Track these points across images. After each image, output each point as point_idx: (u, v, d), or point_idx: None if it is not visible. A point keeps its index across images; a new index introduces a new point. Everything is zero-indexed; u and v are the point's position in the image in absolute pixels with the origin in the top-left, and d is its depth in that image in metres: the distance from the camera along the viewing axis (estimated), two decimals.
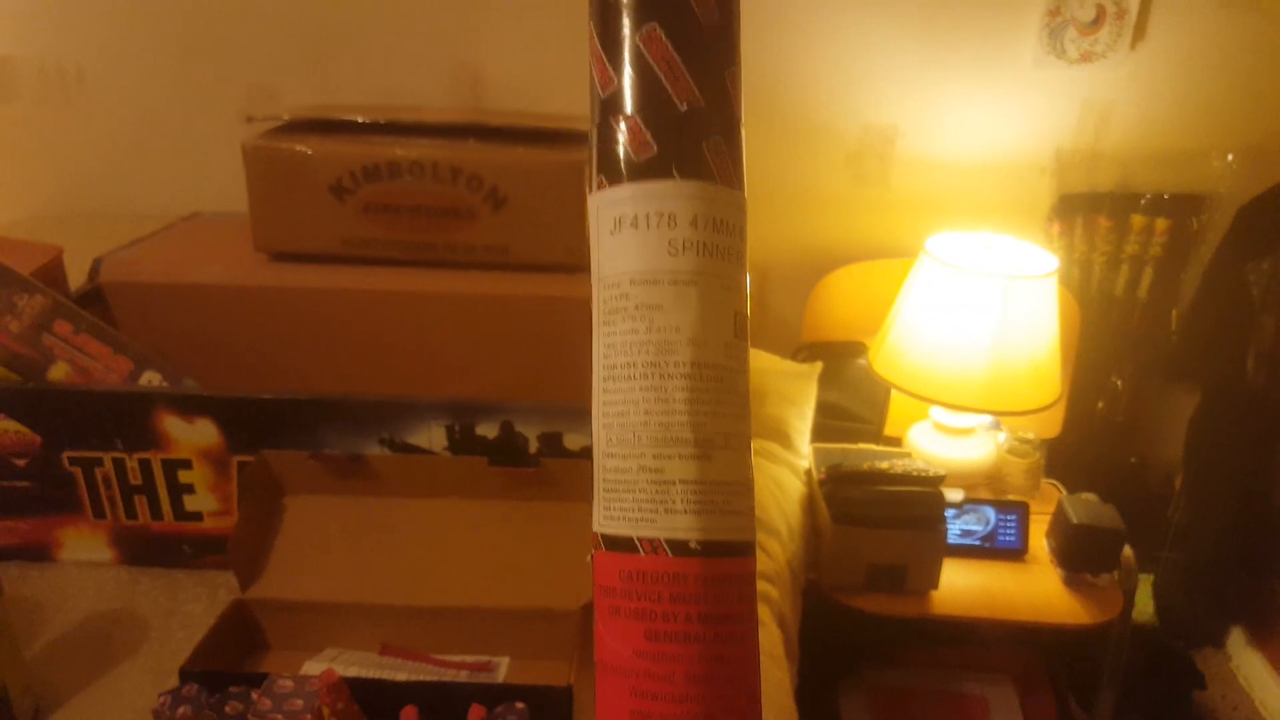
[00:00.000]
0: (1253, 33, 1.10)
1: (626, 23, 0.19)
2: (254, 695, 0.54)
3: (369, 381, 0.79)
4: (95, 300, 0.79)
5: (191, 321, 0.80)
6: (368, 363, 0.80)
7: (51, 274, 0.78)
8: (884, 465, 0.94)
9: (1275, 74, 1.12)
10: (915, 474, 0.93)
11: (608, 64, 0.20)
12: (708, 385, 0.19)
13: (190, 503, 0.71)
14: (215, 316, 0.79)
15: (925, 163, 1.17)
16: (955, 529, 0.99)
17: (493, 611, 0.64)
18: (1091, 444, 1.25)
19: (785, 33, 1.07)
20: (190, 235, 0.92)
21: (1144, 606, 1.25)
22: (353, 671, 0.59)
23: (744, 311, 0.20)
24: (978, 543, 1.00)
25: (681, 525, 0.19)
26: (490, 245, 0.79)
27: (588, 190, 0.20)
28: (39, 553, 0.73)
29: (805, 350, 1.18)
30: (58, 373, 0.73)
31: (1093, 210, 1.18)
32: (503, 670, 0.63)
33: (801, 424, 1.04)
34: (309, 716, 0.53)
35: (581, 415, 0.68)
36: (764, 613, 0.78)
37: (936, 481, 0.93)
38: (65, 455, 0.70)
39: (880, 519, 0.91)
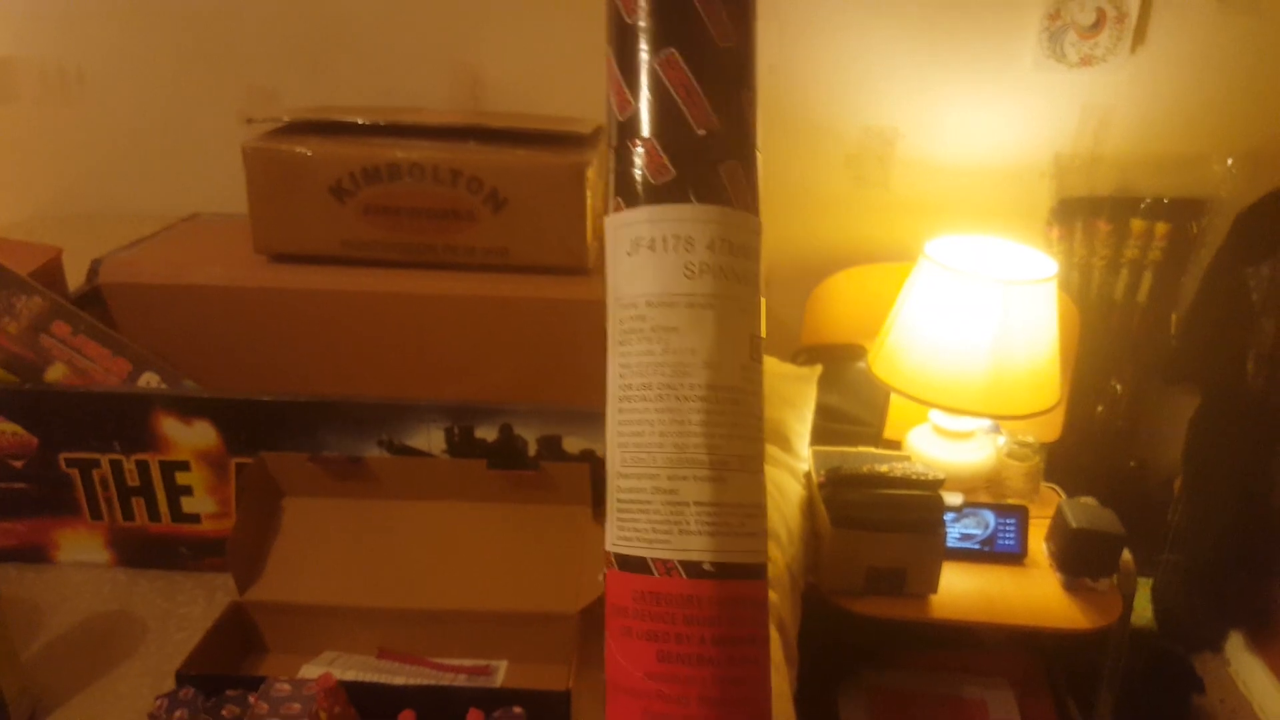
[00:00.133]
0: (1253, 37, 1.10)
1: (644, 47, 0.19)
2: (251, 699, 0.54)
3: (368, 383, 0.79)
4: (94, 301, 0.78)
5: (191, 323, 0.79)
6: (367, 364, 0.80)
7: (50, 275, 0.78)
8: (883, 469, 0.94)
9: (1275, 78, 1.12)
10: (915, 477, 0.93)
11: (625, 88, 0.20)
12: (723, 408, 0.19)
13: (188, 504, 0.71)
14: (214, 318, 0.79)
15: (925, 165, 1.17)
16: (955, 533, 0.99)
17: (491, 615, 0.63)
18: (1091, 448, 1.25)
19: (785, 34, 1.07)
20: (190, 236, 0.92)
21: (1143, 610, 1.25)
22: (350, 675, 0.59)
23: (759, 335, 0.20)
24: (977, 546, 1.00)
25: (696, 546, 0.19)
26: (490, 247, 0.79)
27: (605, 212, 0.20)
28: (36, 554, 0.72)
29: (805, 353, 1.18)
30: (56, 374, 0.72)
31: (1092, 214, 1.18)
32: (501, 674, 0.63)
33: (801, 427, 1.04)
34: None
35: (581, 418, 0.68)
36: None
37: (936, 485, 0.92)
38: (63, 456, 0.69)
39: (880, 522, 0.91)
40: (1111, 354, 1.23)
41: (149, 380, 0.74)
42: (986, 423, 1.08)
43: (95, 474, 0.70)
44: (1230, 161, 1.14)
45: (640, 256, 0.19)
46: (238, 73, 1.09)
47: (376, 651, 0.64)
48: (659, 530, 0.19)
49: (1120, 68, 1.12)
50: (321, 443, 0.69)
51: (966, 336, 0.95)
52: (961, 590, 0.95)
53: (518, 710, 0.54)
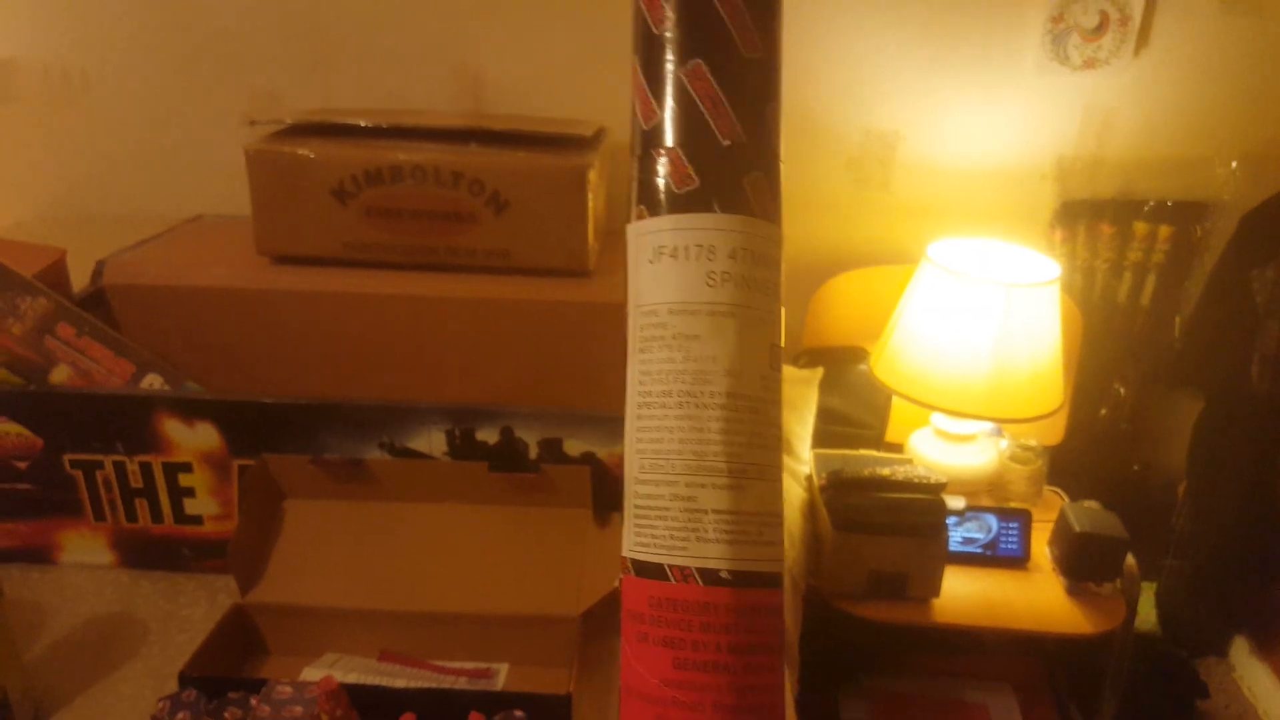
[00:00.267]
0: (1257, 39, 1.10)
1: (671, 58, 0.19)
2: (253, 701, 0.54)
3: (369, 385, 0.80)
4: (98, 302, 0.79)
5: (193, 324, 0.80)
6: (368, 366, 0.80)
7: (55, 276, 0.78)
8: (885, 472, 0.94)
9: (1279, 80, 1.11)
10: (917, 481, 0.92)
11: (651, 97, 0.20)
12: (743, 416, 0.19)
13: (191, 506, 0.71)
14: (217, 319, 0.80)
15: (927, 168, 1.17)
16: (957, 536, 0.98)
17: (492, 618, 0.63)
18: (1094, 451, 1.25)
19: (787, 36, 1.07)
20: (193, 238, 0.93)
21: (1147, 615, 1.25)
22: (352, 678, 0.59)
23: (779, 344, 0.20)
24: (979, 550, 1.00)
25: (713, 554, 0.19)
26: (491, 249, 0.79)
27: (627, 220, 0.20)
28: (40, 555, 0.73)
29: (806, 356, 1.18)
30: (60, 376, 0.73)
31: (1095, 217, 1.18)
32: (502, 677, 0.63)
33: (802, 430, 1.04)
34: None
35: (582, 421, 0.68)
36: None
37: (938, 488, 0.92)
38: (66, 458, 0.70)
39: (881, 526, 0.91)
40: (1115, 357, 1.23)
41: (152, 382, 0.74)
42: (989, 426, 1.08)
43: (98, 475, 0.70)
44: (1234, 164, 1.14)
45: (662, 264, 0.20)
46: (240, 75, 1.09)
47: (378, 654, 0.64)
48: (676, 537, 0.19)
49: (1123, 70, 1.11)
50: (323, 445, 0.69)
51: (969, 339, 0.95)
52: (964, 594, 0.95)
53: (519, 713, 0.55)
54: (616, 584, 0.20)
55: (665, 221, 0.20)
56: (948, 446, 1.06)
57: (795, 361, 1.17)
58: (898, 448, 1.11)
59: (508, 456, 0.68)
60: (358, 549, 0.67)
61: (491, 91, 1.10)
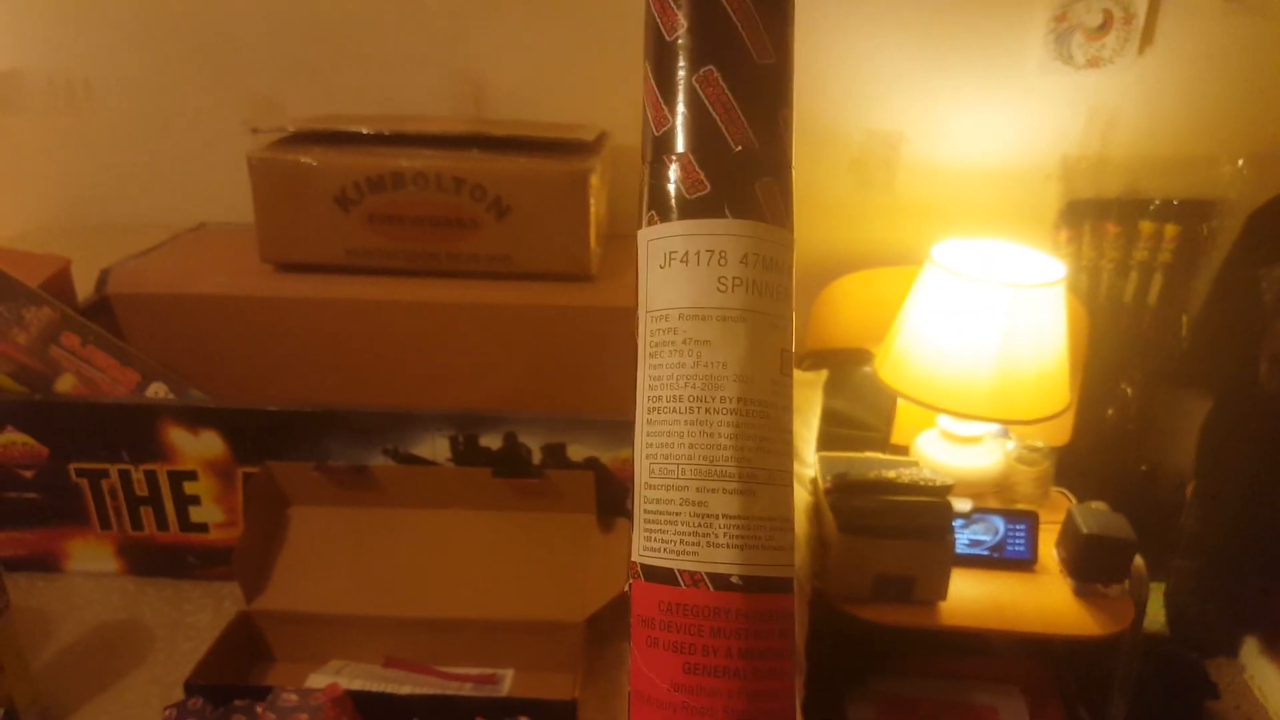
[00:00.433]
0: (1262, 36, 1.09)
1: (683, 64, 0.20)
2: (258, 709, 0.54)
3: (373, 391, 0.80)
4: (102, 311, 0.79)
5: (198, 332, 0.80)
6: (372, 372, 0.80)
7: (59, 286, 0.79)
8: (891, 474, 0.93)
9: None
10: (922, 483, 0.92)
11: (663, 103, 0.20)
12: (753, 421, 0.19)
13: (196, 514, 0.72)
14: (221, 327, 0.80)
15: (930, 169, 1.17)
16: (963, 539, 0.98)
17: (497, 624, 0.63)
18: (1101, 452, 1.24)
19: (794, 47, 1.07)
20: (196, 246, 0.93)
21: (1155, 616, 1.24)
22: (357, 684, 0.59)
23: (790, 349, 0.20)
24: (986, 552, 0.99)
25: (723, 559, 0.19)
26: (494, 255, 0.80)
27: (631, 225, 0.20)
28: (46, 563, 0.73)
29: (810, 358, 1.18)
30: (65, 385, 0.73)
31: (1101, 216, 1.17)
32: (507, 683, 0.62)
33: (807, 432, 1.04)
34: None
35: (586, 426, 0.68)
36: None
37: (944, 491, 0.92)
38: (72, 467, 0.70)
39: (887, 529, 0.90)
40: (1121, 357, 1.22)
41: (157, 390, 0.75)
42: (995, 427, 1.07)
43: (104, 484, 0.70)
44: (1240, 162, 1.13)
45: (673, 269, 0.20)
46: (242, 82, 1.10)
47: (383, 660, 0.64)
48: (686, 542, 0.19)
49: (1128, 69, 1.11)
50: (327, 452, 0.69)
51: (974, 341, 0.94)
52: (971, 597, 0.95)
53: (524, 719, 0.54)
54: (625, 589, 0.20)
55: (676, 227, 0.20)
56: (953, 448, 1.05)
57: (799, 364, 1.16)
58: (903, 450, 1.11)
59: (511, 462, 0.68)
60: (362, 555, 0.67)
61: (493, 97, 1.10)
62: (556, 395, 0.77)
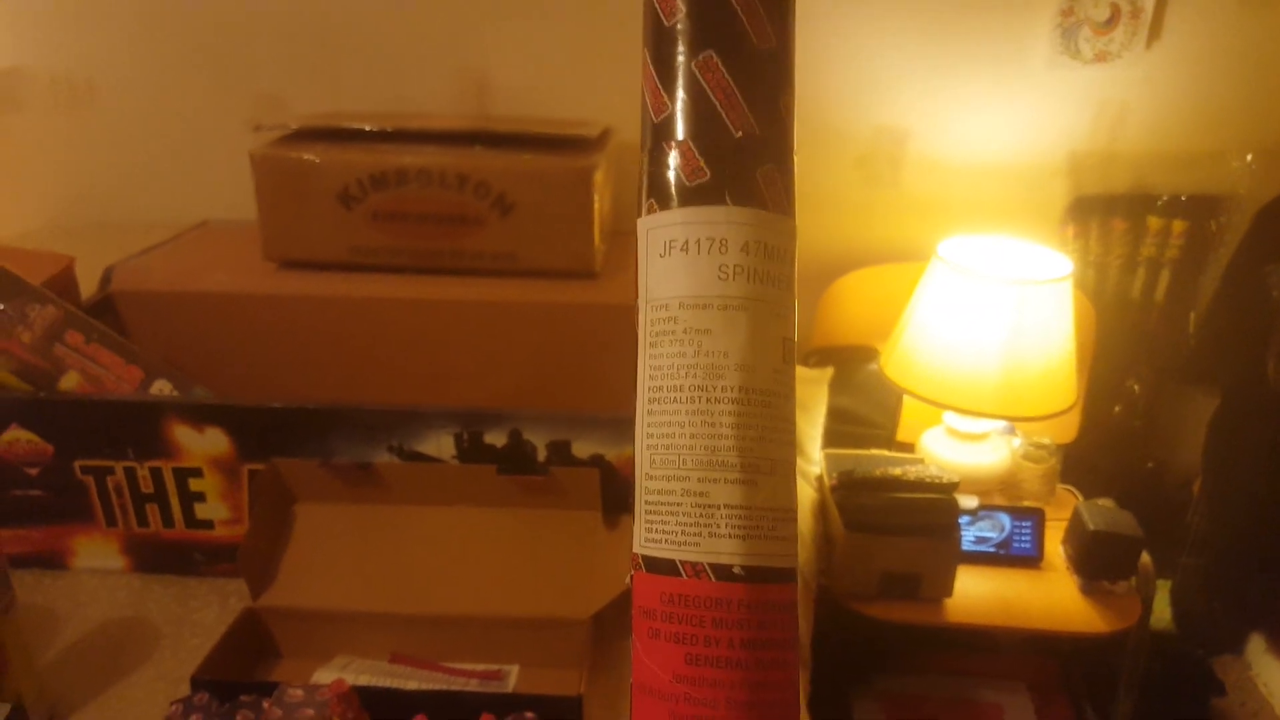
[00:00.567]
0: (1271, 31, 1.08)
1: (682, 49, 0.19)
2: (265, 704, 0.54)
3: (377, 389, 0.80)
4: (106, 309, 0.79)
5: (201, 329, 0.80)
6: (376, 370, 0.80)
7: (63, 284, 0.79)
8: (897, 471, 0.93)
9: None
10: (929, 480, 0.92)
11: (662, 90, 0.20)
12: (755, 411, 0.19)
13: (201, 511, 0.72)
14: (225, 324, 0.80)
15: (937, 165, 1.16)
16: (969, 536, 0.98)
17: (502, 620, 0.63)
18: (1108, 449, 1.24)
19: (796, 33, 1.06)
20: (200, 244, 0.93)
21: (1162, 613, 1.23)
22: (363, 680, 0.59)
23: (792, 338, 0.20)
24: (992, 550, 0.99)
25: (725, 550, 0.19)
26: (498, 252, 0.79)
27: (635, 217, 0.20)
28: (52, 561, 0.73)
29: (816, 355, 1.17)
30: (69, 382, 0.73)
31: (1108, 212, 1.16)
32: (512, 679, 0.62)
33: (813, 430, 1.03)
34: None
35: (590, 423, 0.68)
36: None
37: (950, 488, 0.92)
38: (77, 464, 0.70)
39: (893, 526, 0.90)
40: (1128, 354, 1.22)
41: (161, 388, 0.75)
42: (1001, 424, 1.07)
43: (109, 481, 0.70)
44: (1249, 157, 1.13)
45: (673, 258, 0.19)
46: (245, 80, 1.10)
47: (389, 656, 0.64)
48: (688, 532, 0.19)
49: (1135, 63, 1.10)
50: (332, 449, 0.69)
51: (980, 337, 0.94)
52: (977, 594, 0.94)
53: (530, 715, 0.54)
54: (627, 582, 0.20)
55: (676, 215, 0.19)
56: (960, 445, 1.05)
57: (805, 361, 1.16)
58: (909, 447, 1.10)
59: (516, 459, 0.68)
60: (368, 552, 0.67)
61: (496, 93, 1.10)
62: (561, 392, 0.77)
